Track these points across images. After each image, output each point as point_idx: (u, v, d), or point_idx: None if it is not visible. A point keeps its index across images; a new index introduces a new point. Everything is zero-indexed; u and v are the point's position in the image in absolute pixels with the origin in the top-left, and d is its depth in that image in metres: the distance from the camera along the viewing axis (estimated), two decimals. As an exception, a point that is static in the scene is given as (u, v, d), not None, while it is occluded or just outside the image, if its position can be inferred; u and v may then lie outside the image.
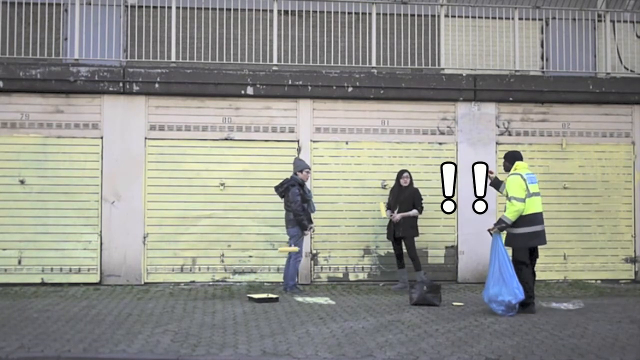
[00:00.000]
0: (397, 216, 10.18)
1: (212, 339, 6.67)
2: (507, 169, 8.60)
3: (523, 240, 8.24)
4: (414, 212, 10.23)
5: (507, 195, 8.32)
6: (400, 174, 10.43)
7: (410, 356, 6.06)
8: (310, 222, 10.07)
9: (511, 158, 8.62)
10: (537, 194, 8.31)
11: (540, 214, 8.33)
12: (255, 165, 10.96)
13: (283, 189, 9.96)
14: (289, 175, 10.10)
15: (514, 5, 11.80)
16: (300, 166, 10.06)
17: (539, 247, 8.53)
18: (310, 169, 10.30)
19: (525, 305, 8.13)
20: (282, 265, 10.29)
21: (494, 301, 8.06)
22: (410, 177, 10.43)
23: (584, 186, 11.55)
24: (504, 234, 8.37)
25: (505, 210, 8.32)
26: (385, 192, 10.92)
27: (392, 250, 10.57)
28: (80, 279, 10.57)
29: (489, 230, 8.41)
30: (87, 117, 10.76)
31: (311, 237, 10.80)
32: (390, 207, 10.45)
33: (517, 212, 8.16)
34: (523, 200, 8.17)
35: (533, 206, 8.23)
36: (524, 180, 8.24)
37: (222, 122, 10.97)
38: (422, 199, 10.38)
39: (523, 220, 8.20)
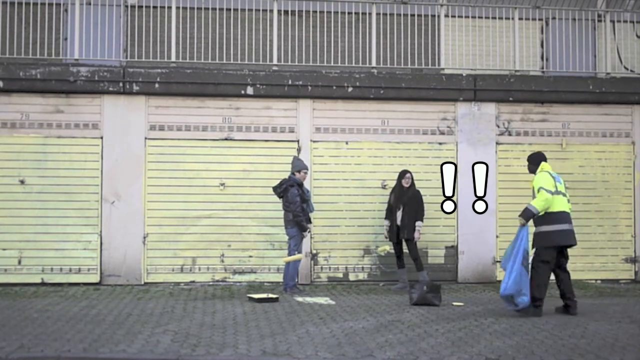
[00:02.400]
0: (417, 235, 10.15)
1: (212, 339, 6.67)
2: (532, 171, 8.40)
3: (552, 238, 7.95)
4: (419, 224, 10.19)
5: (533, 191, 8.09)
6: (403, 174, 10.40)
7: (410, 356, 6.06)
8: (309, 222, 10.07)
9: (536, 160, 8.38)
10: (563, 194, 8.09)
11: (568, 213, 8.07)
12: (255, 165, 10.96)
13: (282, 190, 9.95)
14: (288, 175, 10.09)
15: (514, 5, 11.80)
16: (298, 166, 10.04)
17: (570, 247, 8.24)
18: (307, 169, 10.28)
19: (535, 307, 7.94)
20: (282, 265, 10.28)
21: (520, 295, 7.80)
22: (412, 178, 10.41)
23: (584, 186, 11.55)
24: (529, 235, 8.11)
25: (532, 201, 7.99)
26: (386, 192, 10.92)
27: (392, 250, 10.57)
28: (80, 279, 10.58)
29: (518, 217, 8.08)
30: (87, 117, 10.76)
31: (311, 237, 10.80)
32: (391, 207, 10.44)
33: (545, 201, 7.86)
34: (552, 193, 7.95)
35: (560, 204, 7.98)
36: (553, 177, 8.12)
37: (222, 122, 10.97)
38: (422, 203, 10.35)
39: (550, 217, 7.93)
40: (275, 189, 10.05)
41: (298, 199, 9.75)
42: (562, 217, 7.99)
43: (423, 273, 10.20)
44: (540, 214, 7.97)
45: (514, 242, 8.03)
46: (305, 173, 10.12)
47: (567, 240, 8.04)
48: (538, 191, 8.00)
